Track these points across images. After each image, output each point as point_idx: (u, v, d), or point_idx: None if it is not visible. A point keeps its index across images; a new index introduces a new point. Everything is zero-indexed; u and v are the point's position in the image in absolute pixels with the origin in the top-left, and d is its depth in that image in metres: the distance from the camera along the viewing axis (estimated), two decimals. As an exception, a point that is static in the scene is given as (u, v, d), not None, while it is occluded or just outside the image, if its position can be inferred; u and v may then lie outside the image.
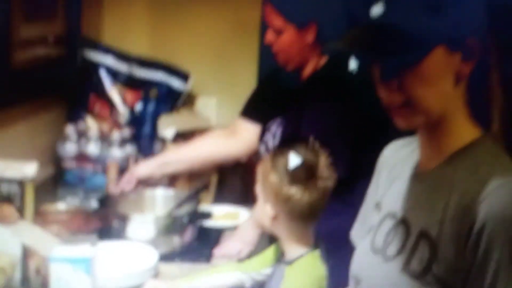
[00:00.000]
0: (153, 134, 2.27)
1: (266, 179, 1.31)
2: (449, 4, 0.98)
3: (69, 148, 2.06)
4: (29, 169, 1.42)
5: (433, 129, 1.05)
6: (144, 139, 2.26)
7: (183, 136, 2.22)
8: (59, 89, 2.24)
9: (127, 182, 1.92)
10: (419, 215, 1.05)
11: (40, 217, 1.66)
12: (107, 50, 2.37)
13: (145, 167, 1.95)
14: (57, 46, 2.18)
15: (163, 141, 2.22)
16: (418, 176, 1.10)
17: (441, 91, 1.01)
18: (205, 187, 2.06)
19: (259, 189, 1.35)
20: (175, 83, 2.40)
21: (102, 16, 2.48)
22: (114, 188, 1.95)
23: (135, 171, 1.94)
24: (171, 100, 2.39)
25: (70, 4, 2.24)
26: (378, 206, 1.17)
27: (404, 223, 1.07)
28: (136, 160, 2.12)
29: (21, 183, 1.40)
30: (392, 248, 1.06)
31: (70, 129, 2.08)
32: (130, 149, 2.13)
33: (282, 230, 1.33)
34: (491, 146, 1.03)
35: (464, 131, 1.04)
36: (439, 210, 1.01)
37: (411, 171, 1.11)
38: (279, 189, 1.28)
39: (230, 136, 1.98)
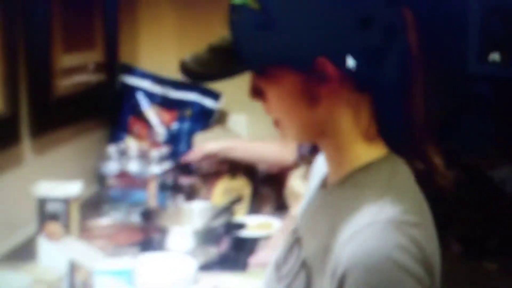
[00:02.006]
0: (189, 151, 2.25)
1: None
2: (282, 21, 0.81)
3: (112, 166, 2.05)
4: (73, 189, 1.41)
5: (326, 146, 0.89)
6: (180, 156, 2.25)
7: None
8: (101, 113, 2.25)
9: (195, 154, 2.05)
10: (309, 239, 0.88)
11: (86, 232, 1.65)
12: (144, 74, 2.37)
13: (214, 145, 2.03)
14: (97, 73, 2.18)
15: (199, 157, 2.21)
16: (319, 193, 0.94)
17: (296, 113, 0.85)
18: (239, 199, 2.04)
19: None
20: (208, 102, 2.39)
21: (138, 43, 2.49)
22: (184, 158, 2.08)
23: (204, 146, 2.03)
24: (205, 118, 2.38)
25: (108, 33, 2.25)
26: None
27: (298, 242, 0.91)
28: (175, 176, 2.12)
29: (66, 202, 1.39)
30: (285, 268, 0.91)
31: (112, 149, 2.08)
32: (168, 165, 2.12)
33: None
34: (388, 169, 0.84)
35: (361, 150, 0.86)
36: (319, 239, 0.83)
37: (319, 184, 0.96)
38: None
39: (284, 144, 1.99)
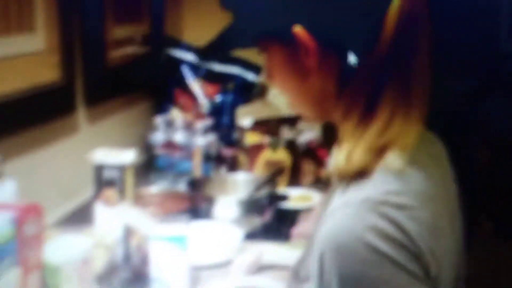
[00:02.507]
0: (232, 123, 2.28)
1: None
2: None
3: (158, 137, 2.08)
4: (128, 156, 1.43)
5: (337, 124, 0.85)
6: (223, 128, 2.27)
7: (258, 125, 2.22)
8: (147, 85, 2.27)
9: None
10: (320, 220, 0.85)
11: (136, 200, 1.68)
12: (188, 47, 2.39)
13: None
14: (143, 45, 2.21)
15: (241, 129, 2.23)
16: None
17: (295, 88, 0.84)
18: (281, 172, 2.05)
19: None
20: (250, 75, 2.40)
21: (183, 16, 2.50)
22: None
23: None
24: (246, 91, 2.40)
25: (154, 7, 2.27)
26: None
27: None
28: (218, 147, 2.14)
29: (121, 169, 1.42)
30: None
31: (158, 120, 2.10)
32: (212, 137, 2.14)
33: None
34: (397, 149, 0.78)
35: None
36: (322, 220, 0.79)
37: None
38: None
39: None
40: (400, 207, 0.71)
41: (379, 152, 0.76)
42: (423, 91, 0.80)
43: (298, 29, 0.79)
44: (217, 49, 0.90)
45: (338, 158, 0.77)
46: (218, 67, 2.39)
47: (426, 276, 0.71)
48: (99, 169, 1.42)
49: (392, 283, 0.69)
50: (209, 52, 0.94)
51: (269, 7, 0.81)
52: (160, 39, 2.34)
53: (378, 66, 0.77)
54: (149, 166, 2.08)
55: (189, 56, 2.37)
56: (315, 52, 0.79)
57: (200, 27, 2.50)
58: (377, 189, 0.73)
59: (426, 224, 0.72)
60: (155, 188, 1.90)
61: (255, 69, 2.40)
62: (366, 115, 0.78)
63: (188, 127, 2.12)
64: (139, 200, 1.68)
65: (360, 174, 0.75)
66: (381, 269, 0.69)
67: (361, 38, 0.77)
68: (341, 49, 0.78)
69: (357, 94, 0.79)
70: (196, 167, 2.05)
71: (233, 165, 2.13)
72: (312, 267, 0.76)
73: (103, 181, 1.42)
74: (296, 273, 0.90)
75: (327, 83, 0.81)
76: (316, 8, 0.78)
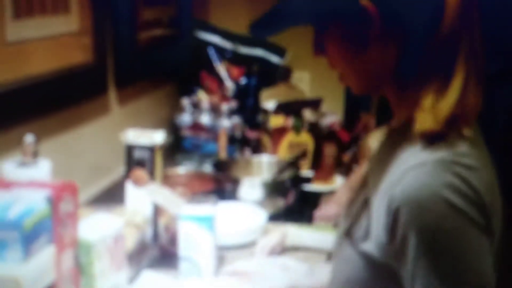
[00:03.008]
0: (256, 106, 2.28)
1: None
2: None
3: (185, 118, 2.09)
4: (158, 137, 1.44)
5: (387, 94, 0.91)
6: (248, 110, 2.27)
7: (282, 108, 2.22)
8: (175, 66, 2.28)
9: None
10: (372, 179, 0.91)
11: (165, 179, 1.69)
12: (214, 30, 2.39)
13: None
14: (171, 27, 2.21)
15: (265, 112, 2.23)
16: (383, 139, 0.96)
17: (351, 61, 0.88)
18: (304, 154, 2.05)
19: None
20: (274, 58, 2.40)
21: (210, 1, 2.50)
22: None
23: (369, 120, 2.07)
24: (271, 74, 2.39)
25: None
26: None
27: (365, 184, 0.95)
28: (243, 129, 2.14)
29: (151, 149, 1.42)
30: (353, 207, 0.95)
31: (185, 102, 2.11)
32: (237, 119, 2.15)
33: None
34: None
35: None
36: (379, 178, 0.86)
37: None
38: None
39: None
40: (469, 167, 0.79)
41: (453, 119, 0.82)
42: (484, 62, 0.86)
43: (365, 1, 0.83)
44: (268, 25, 0.89)
45: (423, 121, 0.82)
46: (243, 50, 2.38)
47: (488, 228, 0.79)
48: (130, 149, 1.42)
49: (464, 234, 0.77)
50: (258, 28, 0.90)
51: None
52: (187, 22, 2.34)
53: (450, 39, 0.82)
54: (176, 147, 2.10)
55: (215, 39, 2.37)
56: (378, 23, 0.83)
57: (226, 9, 2.50)
58: (450, 151, 0.80)
59: (488, 183, 0.81)
60: (182, 168, 1.91)
61: (279, 52, 2.40)
62: (443, 86, 0.82)
63: (214, 109, 2.13)
64: (167, 180, 1.69)
65: (437, 137, 0.81)
66: (455, 222, 0.77)
67: (423, 15, 0.82)
68: (403, 24, 0.83)
69: (431, 67, 0.83)
70: (222, 149, 2.06)
71: (257, 148, 2.14)
72: (378, 224, 0.83)
73: (134, 161, 1.43)
74: (349, 235, 0.92)
75: (386, 56, 0.85)
76: None
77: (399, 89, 0.88)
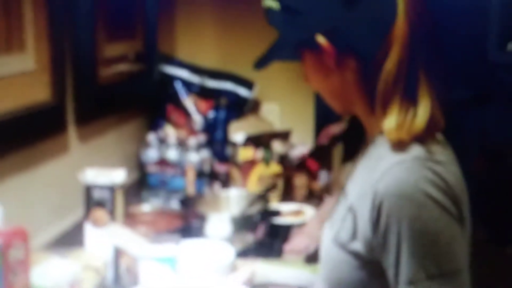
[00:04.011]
0: (225, 139, 2.23)
1: None
2: (293, 14, 0.99)
3: (151, 154, 2.04)
4: (119, 176, 1.39)
5: (357, 113, 1.02)
6: (217, 143, 2.23)
7: (251, 140, 2.18)
8: (140, 101, 2.23)
9: (324, 136, 2.15)
10: (352, 188, 1.01)
11: (128, 218, 1.63)
12: (181, 64, 2.35)
13: (337, 127, 2.11)
14: (137, 62, 2.16)
15: (234, 145, 2.18)
16: (363, 150, 1.05)
17: (321, 83, 1.02)
18: (273, 186, 2.01)
19: None
20: (242, 91, 2.36)
21: (176, 33, 2.46)
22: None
23: (330, 129, 2.15)
24: (239, 107, 2.35)
25: (147, 24, 2.23)
26: None
27: (344, 194, 1.04)
28: (211, 163, 2.09)
29: (111, 189, 1.37)
30: (335, 217, 1.03)
31: (151, 137, 2.06)
32: (205, 153, 2.10)
33: None
34: None
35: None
36: (360, 184, 0.97)
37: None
38: None
39: None
40: (439, 162, 0.91)
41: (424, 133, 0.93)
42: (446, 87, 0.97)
43: (320, 38, 0.97)
44: (267, 61, 1.05)
45: (390, 127, 0.93)
46: (211, 83, 2.35)
47: (460, 216, 0.90)
48: (89, 189, 1.37)
49: (439, 221, 0.87)
50: (260, 64, 1.06)
51: (302, 23, 0.98)
52: (153, 56, 2.30)
53: (402, 68, 0.93)
54: (142, 184, 2.03)
55: (182, 73, 2.33)
56: (332, 55, 0.97)
57: (193, 43, 2.47)
58: (423, 149, 0.91)
59: (457, 177, 0.93)
60: (147, 206, 1.85)
61: (247, 84, 2.37)
62: (407, 100, 0.93)
63: (181, 143, 2.08)
64: (131, 219, 1.63)
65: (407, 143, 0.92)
66: (432, 211, 0.87)
67: (372, 42, 0.94)
68: (356, 51, 0.96)
69: (395, 84, 0.93)
70: (190, 184, 2.00)
71: (226, 181, 2.09)
72: (363, 221, 0.92)
73: (93, 201, 1.37)
74: (337, 240, 0.99)
75: (346, 79, 0.98)
76: (335, 19, 0.96)
77: (369, 108, 0.98)
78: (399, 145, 0.92)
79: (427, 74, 0.94)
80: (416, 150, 0.91)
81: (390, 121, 0.92)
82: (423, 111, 0.92)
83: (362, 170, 1.00)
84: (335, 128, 2.13)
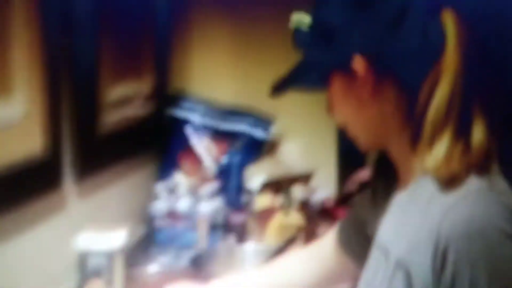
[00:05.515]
0: (240, 186, 2.05)
1: None
2: (326, 33, 0.90)
3: (160, 206, 1.86)
4: (118, 238, 1.21)
5: (392, 152, 0.93)
6: (231, 191, 2.05)
7: (269, 186, 2.01)
8: (148, 148, 2.05)
9: (352, 182, 2.02)
10: (397, 241, 0.86)
11: (132, 282, 1.45)
12: (192, 106, 2.18)
13: (366, 172, 1.96)
14: (145, 104, 1.99)
15: (250, 192, 2.00)
16: (395, 199, 0.93)
17: (353, 115, 0.92)
18: (294, 238, 1.82)
19: None
20: (258, 133, 2.19)
21: (190, 70, 2.29)
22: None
23: (359, 174, 2.01)
24: (255, 150, 2.18)
25: (158, 62, 2.06)
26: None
27: (383, 253, 0.89)
28: (225, 214, 1.91)
29: (110, 255, 1.19)
30: (377, 279, 0.88)
31: (160, 187, 1.89)
32: (218, 202, 1.92)
33: None
34: None
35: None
36: (411, 234, 0.83)
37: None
38: None
39: None
40: (503, 193, 0.81)
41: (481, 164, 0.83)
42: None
43: (357, 61, 0.87)
44: (286, 86, 0.96)
45: (436, 163, 0.83)
46: (224, 125, 2.18)
47: None
48: (83, 257, 1.19)
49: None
50: (278, 89, 0.96)
51: (339, 44, 0.89)
52: (163, 97, 2.13)
53: (464, 87, 0.83)
54: (149, 240, 1.85)
55: (194, 116, 2.16)
56: (369, 82, 0.87)
57: (209, 80, 2.30)
58: (482, 181, 0.81)
59: None
60: (154, 267, 1.66)
61: (264, 124, 2.20)
62: (460, 131, 0.83)
63: (193, 192, 1.91)
64: (134, 284, 1.45)
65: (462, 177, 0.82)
66: (504, 248, 0.76)
67: (418, 70, 0.84)
68: (399, 79, 0.86)
69: (447, 115, 0.83)
70: (202, 238, 1.82)
71: (242, 233, 1.90)
72: (420, 276, 0.79)
73: (88, 270, 1.19)
74: (369, 283, 0.90)
75: (383, 110, 0.89)
76: (378, 42, 0.86)
77: (408, 143, 0.87)
78: (453, 181, 0.81)
79: (482, 102, 0.84)
80: (476, 183, 0.81)
81: (437, 155, 0.82)
82: (478, 140, 0.83)
83: (407, 218, 0.86)
84: (364, 174, 1.97)
